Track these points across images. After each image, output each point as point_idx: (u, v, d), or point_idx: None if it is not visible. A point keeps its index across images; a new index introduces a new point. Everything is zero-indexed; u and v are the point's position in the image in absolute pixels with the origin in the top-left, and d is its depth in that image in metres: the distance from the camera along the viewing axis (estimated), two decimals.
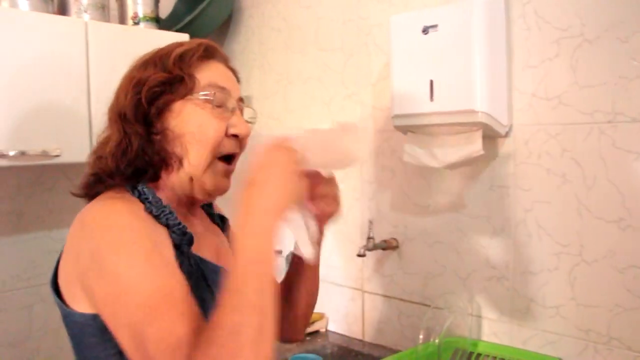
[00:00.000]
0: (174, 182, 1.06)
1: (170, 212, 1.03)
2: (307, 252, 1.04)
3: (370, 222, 1.88)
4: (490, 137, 1.59)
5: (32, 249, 1.97)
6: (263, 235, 0.88)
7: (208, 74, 1.07)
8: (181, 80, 1.04)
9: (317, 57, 2.13)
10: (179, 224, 1.03)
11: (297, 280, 1.25)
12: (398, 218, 1.89)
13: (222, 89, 1.07)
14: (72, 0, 1.88)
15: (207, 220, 1.24)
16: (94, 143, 1.12)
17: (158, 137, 1.04)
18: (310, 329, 2.06)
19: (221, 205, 1.31)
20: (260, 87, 2.35)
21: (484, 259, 1.68)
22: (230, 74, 1.13)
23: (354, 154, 1.03)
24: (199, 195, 1.07)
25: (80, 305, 0.96)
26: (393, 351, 1.86)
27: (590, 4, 1.44)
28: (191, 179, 1.05)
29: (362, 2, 1.97)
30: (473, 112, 1.49)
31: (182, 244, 1.03)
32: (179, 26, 2.14)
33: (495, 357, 1.63)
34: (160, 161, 1.05)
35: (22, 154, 1.61)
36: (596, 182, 1.45)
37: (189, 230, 1.05)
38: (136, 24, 2.06)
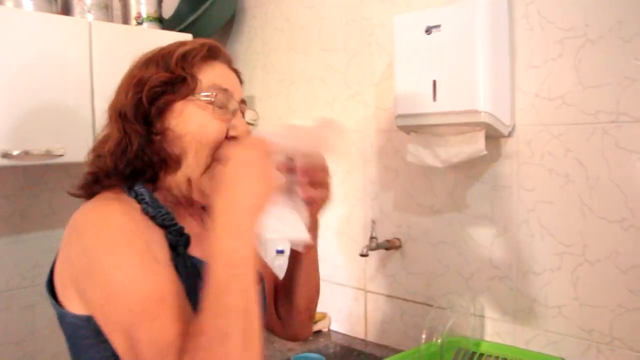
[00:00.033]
0: (171, 183, 1.05)
1: (167, 213, 1.02)
2: (302, 237, 1.02)
3: (373, 222, 1.88)
4: (493, 137, 1.59)
5: (36, 249, 1.98)
6: (239, 237, 0.87)
7: (210, 74, 1.06)
8: (183, 80, 1.03)
9: (320, 57, 2.13)
10: (175, 225, 1.02)
11: (296, 274, 1.23)
12: (401, 218, 1.90)
13: (224, 90, 1.06)
14: (76, 0, 1.88)
15: (207, 221, 1.23)
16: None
17: (158, 137, 1.03)
18: (313, 329, 2.06)
19: None
20: (263, 87, 2.35)
21: (487, 259, 1.68)
22: (233, 75, 1.12)
23: (330, 147, 1.03)
24: (196, 196, 1.06)
25: (75, 306, 0.95)
26: (396, 351, 1.86)
27: (594, 4, 1.44)
28: (189, 181, 1.04)
29: (365, 2, 1.97)
30: (476, 112, 1.49)
31: (179, 245, 1.02)
32: (182, 26, 2.14)
33: (497, 357, 1.63)
34: (160, 162, 1.03)
35: (26, 153, 1.62)
36: (599, 182, 1.45)
37: (186, 231, 1.04)
38: (139, 24, 2.07)
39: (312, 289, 1.25)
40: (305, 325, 1.30)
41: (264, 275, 1.22)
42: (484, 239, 1.68)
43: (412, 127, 1.66)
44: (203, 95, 1.03)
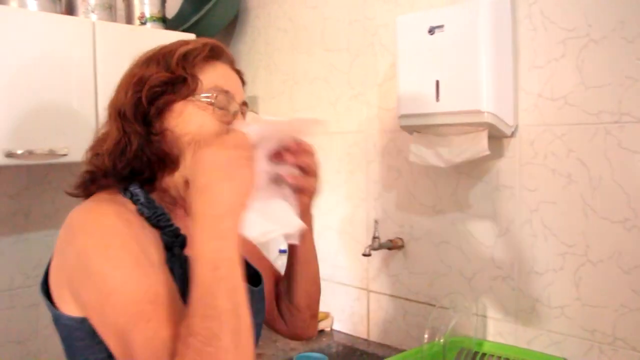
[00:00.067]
0: (169, 183, 1.03)
1: (163, 214, 1.02)
2: (295, 227, 1.01)
3: (376, 222, 1.89)
4: (496, 137, 1.59)
5: (39, 248, 1.99)
6: (220, 238, 0.86)
7: (212, 75, 1.04)
8: (184, 80, 1.01)
9: (323, 57, 2.14)
10: (171, 225, 1.02)
11: (292, 271, 1.21)
12: (404, 218, 1.90)
13: (226, 92, 1.04)
14: (80, 0, 1.89)
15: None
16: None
17: (157, 137, 1.01)
18: (317, 328, 2.07)
19: None
20: (266, 87, 2.36)
21: (490, 259, 1.68)
22: (235, 76, 1.10)
23: (310, 133, 1.04)
24: None
25: (69, 308, 0.95)
26: (398, 350, 1.86)
27: (596, 4, 1.44)
28: (187, 182, 0.99)
29: (369, 2, 1.97)
30: (479, 112, 1.49)
31: (174, 246, 1.01)
32: (185, 26, 2.15)
33: (500, 357, 1.63)
34: (158, 162, 1.02)
35: (30, 153, 1.62)
36: (602, 182, 1.45)
37: (182, 232, 1.04)
38: (143, 24, 2.07)
39: (310, 286, 1.23)
40: (308, 325, 1.27)
41: (262, 274, 1.20)
42: (487, 239, 1.69)
43: (415, 127, 1.66)
44: (203, 96, 1.02)
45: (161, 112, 1.01)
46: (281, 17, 2.29)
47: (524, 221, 1.60)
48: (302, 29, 2.21)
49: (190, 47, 1.04)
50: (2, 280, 1.92)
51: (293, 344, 1.92)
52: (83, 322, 0.93)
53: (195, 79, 1.02)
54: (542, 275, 1.57)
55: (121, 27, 1.93)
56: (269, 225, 0.95)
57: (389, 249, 1.90)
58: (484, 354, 1.66)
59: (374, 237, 1.86)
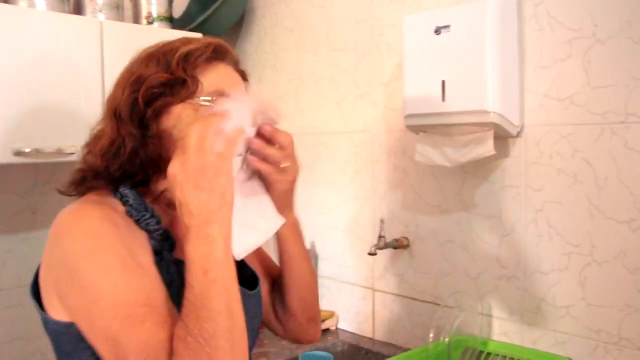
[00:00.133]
0: (164, 186, 0.99)
1: (152, 216, 0.99)
2: (276, 225, 1.00)
3: (382, 222, 1.89)
4: (502, 137, 1.60)
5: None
6: (208, 242, 0.86)
7: (214, 77, 1.00)
8: (183, 82, 0.97)
9: (329, 57, 2.14)
10: (159, 229, 1.00)
11: (283, 275, 1.17)
12: (409, 217, 1.90)
13: (227, 95, 1.00)
14: (88, 0, 1.90)
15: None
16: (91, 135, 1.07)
17: (153, 140, 0.98)
18: (318, 333, 2.07)
19: None
20: (273, 87, 2.36)
21: (495, 259, 1.68)
22: (238, 77, 1.06)
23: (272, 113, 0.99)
24: None
25: (56, 312, 0.93)
26: (403, 350, 1.87)
27: (603, 5, 1.44)
28: None
29: (375, 2, 1.98)
30: (485, 112, 1.50)
31: (163, 249, 1.00)
32: (192, 26, 2.16)
33: (505, 357, 1.63)
34: (153, 166, 0.99)
35: (38, 151, 1.63)
36: (607, 182, 1.45)
37: (172, 235, 1.02)
38: (150, 23, 2.08)
39: (302, 290, 1.19)
40: (307, 329, 1.23)
41: (259, 276, 1.18)
42: (492, 239, 1.69)
43: (421, 127, 1.67)
44: (203, 99, 0.98)
45: (158, 114, 0.98)
46: (288, 17, 2.30)
47: (530, 221, 1.60)
48: (308, 28, 2.22)
49: (192, 47, 1.00)
50: (10, 278, 1.94)
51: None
52: (70, 327, 0.91)
53: (195, 81, 0.98)
54: (548, 275, 1.57)
55: (129, 26, 1.94)
56: (251, 237, 0.95)
57: (395, 248, 1.90)
58: (489, 354, 1.66)
59: (380, 237, 1.87)
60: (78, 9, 1.92)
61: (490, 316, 1.71)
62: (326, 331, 2.10)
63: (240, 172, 0.99)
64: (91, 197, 1.00)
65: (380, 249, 1.85)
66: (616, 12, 1.42)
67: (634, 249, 1.42)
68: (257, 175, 1.03)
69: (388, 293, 1.98)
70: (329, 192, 2.16)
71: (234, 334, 0.84)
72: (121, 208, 0.98)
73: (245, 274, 1.12)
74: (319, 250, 2.19)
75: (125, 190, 1.00)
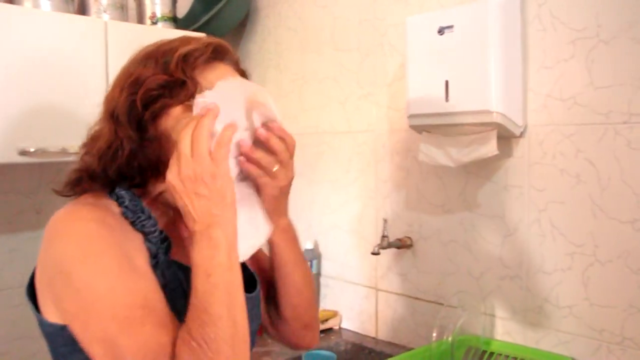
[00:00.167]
0: (162, 187, 0.97)
1: (149, 218, 0.98)
2: (263, 235, 0.99)
3: (385, 221, 1.89)
4: (505, 137, 1.60)
5: None
6: (212, 246, 0.87)
7: (213, 78, 0.97)
8: (182, 84, 0.95)
9: (332, 57, 2.15)
10: (155, 231, 0.98)
11: (274, 282, 1.14)
12: (412, 217, 1.91)
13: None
14: (92, 0, 1.91)
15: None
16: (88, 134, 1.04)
17: (151, 143, 0.96)
18: (323, 327, 2.08)
19: None
20: (276, 86, 2.37)
21: (498, 258, 1.69)
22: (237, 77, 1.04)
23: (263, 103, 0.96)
24: None
25: (50, 314, 0.92)
26: (406, 349, 1.87)
27: (606, 5, 1.44)
28: None
29: (378, 2, 1.98)
30: (488, 112, 1.50)
31: (159, 252, 0.98)
32: (195, 26, 2.16)
33: (508, 356, 1.63)
34: (151, 169, 0.97)
35: (43, 151, 1.64)
36: (610, 182, 1.45)
37: (175, 235, 1.01)
38: (154, 23, 2.09)
39: (295, 297, 1.14)
40: (301, 336, 1.20)
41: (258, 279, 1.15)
42: (495, 239, 1.69)
43: (425, 127, 1.67)
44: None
45: (156, 116, 0.96)
46: (291, 17, 2.30)
47: (533, 221, 1.60)
48: (312, 28, 2.22)
49: (191, 47, 0.97)
50: (14, 276, 1.94)
51: None
52: (63, 330, 0.90)
53: (194, 82, 0.96)
54: (551, 274, 1.57)
55: (133, 26, 1.95)
56: (240, 247, 0.93)
57: (398, 247, 1.91)
58: (491, 353, 1.66)
59: (383, 236, 1.87)
60: (82, 9, 1.93)
61: (493, 315, 1.71)
62: (329, 330, 2.11)
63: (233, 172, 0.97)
64: (87, 198, 0.99)
65: (383, 248, 1.86)
66: (619, 12, 1.42)
67: (637, 249, 1.42)
68: (250, 176, 1.00)
69: (391, 292, 1.99)
70: (332, 191, 2.17)
71: (235, 339, 0.84)
72: (117, 209, 0.97)
73: (244, 275, 1.10)
74: (322, 249, 2.20)
75: (121, 191, 0.98)
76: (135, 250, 0.93)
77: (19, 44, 1.61)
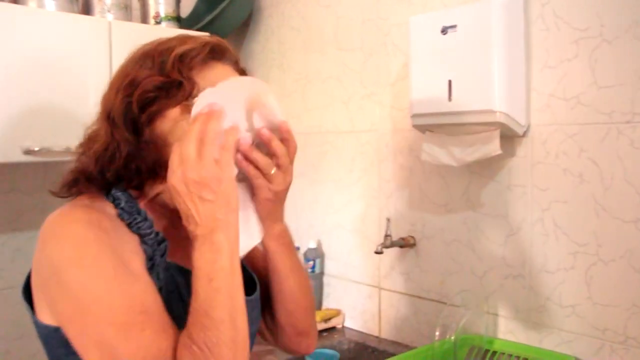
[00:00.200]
0: (159, 189, 0.97)
1: (145, 220, 0.96)
2: (255, 240, 0.99)
3: (388, 220, 1.90)
4: (508, 136, 1.60)
5: None
6: (214, 250, 0.86)
7: (210, 78, 0.96)
8: (179, 85, 0.93)
9: (336, 56, 2.15)
10: (151, 233, 0.96)
11: (268, 288, 1.12)
12: (415, 216, 1.91)
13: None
14: (96, 0, 1.92)
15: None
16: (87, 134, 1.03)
17: (148, 145, 0.94)
18: (327, 325, 2.08)
19: None
20: (279, 86, 2.37)
21: (501, 258, 1.69)
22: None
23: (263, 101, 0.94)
24: None
25: (45, 316, 0.91)
26: (409, 348, 1.88)
27: (609, 4, 1.45)
28: None
29: (381, 2, 1.98)
30: (491, 112, 1.50)
31: (155, 254, 0.96)
32: (199, 25, 2.17)
33: (511, 355, 1.64)
34: (148, 172, 0.95)
35: (47, 150, 1.65)
36: (614, 182, 1.45)
37: (173, 236, 1.00)
38: (158, 23, 2.10)
39: (289, 304, 1.12)
40: (296, 342, 1.17)
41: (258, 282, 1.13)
42: (498, 238, 1.69)
43: (428, 127, 1.67)
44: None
45: (153, 118, 0.94)
46: (294, 16, 2.31)
47: (536, 220, 1.61)
48: (315, 28, 2.23)
49: (188, 47, 0.95)
50: (18, 275, 1.91)
51: None
52: (57, 332, 0.89)
53: (191, 82, 0.94)
54: (553, 274, 1.58)
55: (136, 26, 1.96)
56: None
57: (401, 247, 1.91)
58: (494, 352, 1.66)
59: (386, 235, 1.87)
60: (86, 9, 1.94)
61: (496, 315, 1.71)
62: (332, 329, 2.11)
63: None
64: (82, 199, 0.97)
65: (387, 247, 1.86)
66: (623, 11, 1.42)
67: None
68: (246, 178, 0.98)
69: (394, 291, 1.99)
70: (335, 191, 2.17)
71: (236, 343, 0.84)
72: (113, 211, 0.95)
73: (243, 277, 1.06)
74: (326, 248, 2.20)
75: (117, 193, 0.97)
76: (131, 253, 0.91)
77: (23, 44, 1.62)
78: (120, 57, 1.75)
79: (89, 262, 0.85)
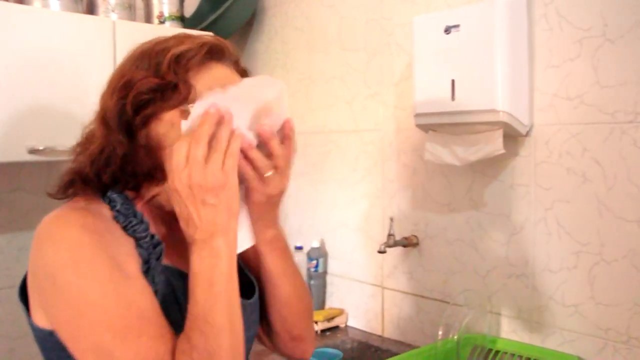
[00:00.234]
0: (156, 190, 0.96)
1: (140, 222, 0.94)
2: (248, 243, 0.98)
3: (391, 220, 1.90)
4: (511, 136, 1.60)
5: None
6: (214, 255, 0.85)
7: (207, 80, 0.93)
8: (174, 87, 0.91)
9: (339, 56, 2.15)
10: (147, 236, 0.94)
11: (262, 292, 1.10)
12: (419, 216, 1.91)
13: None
14: (100, 0, 1.93)
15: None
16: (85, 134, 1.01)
17: (143, 149, 0.92)
18: (330, 325, 2.09)
19: None
20: None
21: (504, 257, 1.69)
22: (236, 78, 0.98)
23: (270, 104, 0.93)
24: None
25: (39, 319, 0.91)
26: (412, 347, 1.88)
27: (613, 4, 1.45)
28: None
29: (385, 2, 1.98)
30: (494, 111, 1.50)
31: (150, 258, 0.93)
32: (203, 25, 2.17)
33: (513, 355, 1.64)
34: (145, 175, 0.94)
35: (51, 149, 1.66)
36: (617, 181, 1.45)
37: (172, 238, 0.99)
38: (162, 22, 2.11)
39: (283, 308, 1.09)
40: (291, 348, 1.15)
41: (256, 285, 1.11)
42: (501, 237, 1.69)
43: (431, 126, 1.68)
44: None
45: (148, 121, 0.92)
46: (298, 16, 2.31)
47: (539, 220, 1.61)
48: (318, 28, 2.23)
49: (184, 47, 0.93)
50: (22, 275, 1.95)
51: None
52: (52, 335, 0.89)
53: (187, 84, 0.91)
54: (556, 273, 1.58)
55: (140, 26, 1.97)
56: None
57: (404, 246, 1.91)
58: (497, 351, 1.66)
59: (389, 235, 1.88)
60: (91, 9, 1.95)
61: (498, 314, 1.71)
62: (335, 328, 2.11)
63: None
64: (78, 201, 0.95)
65: (390, 246, 1.86)
66: (626, 11, 1.42)
67: None
68: (242, 178, 0.94)
69: (397, 291, 1.99)
70: (339, 190, 2.17)
71: (235, 350, 0.84)
72: (108, 213, 0.94)
73: (242, 280, 1.03)
74: (329, 247, 2.20)
75: (113, 195, 0.95)
76: (126, 256, 0.90)
77: (28, 43, 1.63)
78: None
79: (84, 266, 0.84)
